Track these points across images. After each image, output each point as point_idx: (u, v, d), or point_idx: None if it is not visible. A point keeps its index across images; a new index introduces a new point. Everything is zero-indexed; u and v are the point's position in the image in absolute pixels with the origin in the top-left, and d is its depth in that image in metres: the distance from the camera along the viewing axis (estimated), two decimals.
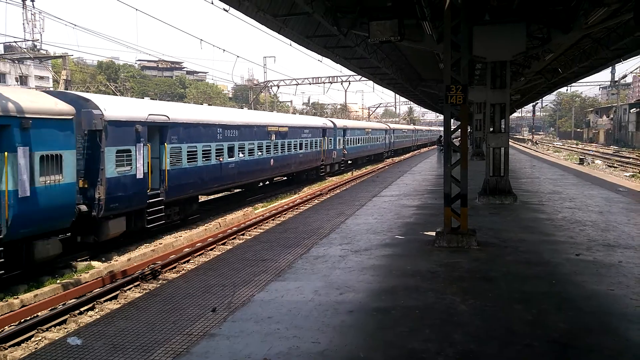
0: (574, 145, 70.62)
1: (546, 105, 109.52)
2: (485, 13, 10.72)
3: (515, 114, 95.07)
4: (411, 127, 72.00)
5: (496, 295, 5.90)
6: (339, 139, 33.49)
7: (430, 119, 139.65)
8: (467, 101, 8.14)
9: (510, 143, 14.40)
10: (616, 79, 55.53)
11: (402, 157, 52.76)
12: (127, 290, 10.64)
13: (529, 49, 11.99)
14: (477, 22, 10.69)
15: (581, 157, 43.24)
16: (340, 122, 35.14)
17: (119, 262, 12.55)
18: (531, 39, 12.14)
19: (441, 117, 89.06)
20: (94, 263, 12.48)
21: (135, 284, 10.99)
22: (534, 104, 64.14)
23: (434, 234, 8.58)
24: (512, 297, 5.83)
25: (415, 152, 61.95)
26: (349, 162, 37.16)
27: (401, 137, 58.07)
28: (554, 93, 79.97)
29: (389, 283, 6.48)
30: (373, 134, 43.62)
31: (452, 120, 8.71)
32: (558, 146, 69.47)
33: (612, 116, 79.32)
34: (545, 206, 12.33)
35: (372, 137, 43.10)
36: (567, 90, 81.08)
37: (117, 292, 10.41)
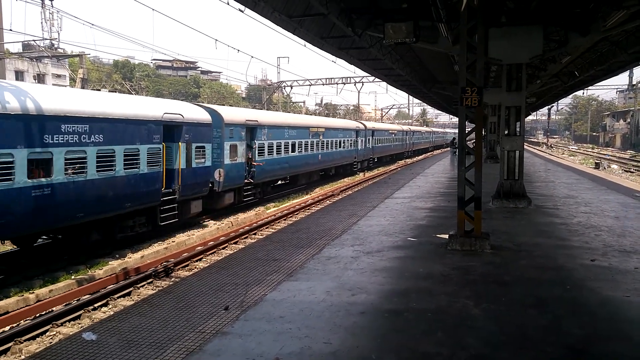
0: (590, 149, 69.76)
1: (562, 108, 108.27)
2: (501, 15, 10.64)
3: (530, 117, 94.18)
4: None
5: (510, 300, 5.85)
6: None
7: (444, 121, 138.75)
8: (482, 103, 8.09)
9: (525, 146, 14.27)
10: (634, 82, 54.82)
11: (415, 159, 52.85)
12: (140, 287, 10.75)
13: (545, 51, 11.86)
14: (494, 24, 10.60)
15: (597, 161, 42.69)
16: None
17: (133, 259, 12.68)
18: (548, 42, 12.00)
19: (455, 119, 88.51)
20: (108, 260, 12.63)
21: (149, 281, 11.09)
22: (549, 106, 63.52)
23: (447, 236, 8.54)
24: (526, 302, 5.78)
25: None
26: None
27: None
28: (570, 96, 78.97)
29: (401, 285, 6.46)
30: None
31: (466, 122, 8.66)
32: (573, 150, 68.66)
33: (629, 120, 78.20)
34: (560, 210, 12.21)
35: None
36: (583, 93, 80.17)
37: (131, 289, 10.52)
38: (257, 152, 20.42)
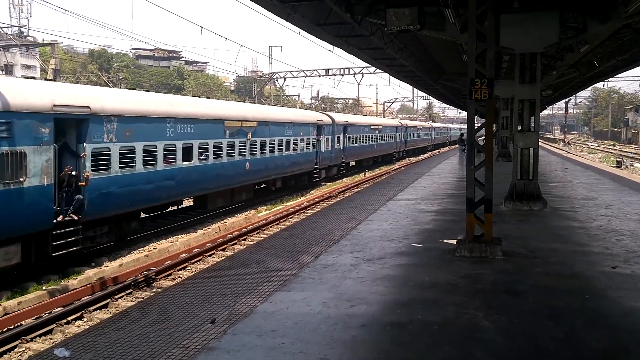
0: (611, 146, 70.07)
1: (580, 102, 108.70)
2: (514, 0, 10.68)
3: (545, 111, 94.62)
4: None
5: (523, 311, 5.87)
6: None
7: (452, 116, 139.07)
8: (493, 97, 8.12)
9: (540, 143, 14.31)
10: None
11: (420, 157, 52.67)
12: (118, 298, 10.72)
13: (562, 39, 11.93)
14: (505, 10, 10.65)
15: (619, 159, 42.89)
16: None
17: (110, 267, 12.66)
18: (564, 29, 12.07)
19: (464, 113, 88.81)
20: (83, 269, 12.60)
21: (128, 291, 11.07)
22: (566, 100, 63.75)
23: (454, 242, 8.56)
24: (541, 313, 5.81)
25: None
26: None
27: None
28: (589, 88, 79.28)
29: (405, 295, 6.48)
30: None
31: (476, 117, 8.69)
32: (593, 147, 68.99)
33: None
34: (578, 213, 12.25)
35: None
36: (603, 85, 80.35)
37: (108, 301, 10.49)
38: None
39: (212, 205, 19.21)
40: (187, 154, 16.42)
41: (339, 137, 31.83)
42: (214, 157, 17.98)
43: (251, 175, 20.97)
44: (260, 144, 21.52)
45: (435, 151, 63.16)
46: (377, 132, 40.81)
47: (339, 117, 33.42)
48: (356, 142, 35.60)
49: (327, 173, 30.62)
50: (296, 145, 25.29)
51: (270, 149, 22.44)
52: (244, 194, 21.44)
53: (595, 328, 5.38)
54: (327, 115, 31.46)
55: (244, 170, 20.23)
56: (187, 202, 20.23)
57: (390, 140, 45.80)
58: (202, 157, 17.31)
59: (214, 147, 18.02)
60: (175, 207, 18.15)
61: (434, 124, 77.20)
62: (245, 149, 20.19)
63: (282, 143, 23.71)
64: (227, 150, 18.87)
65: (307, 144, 26.67)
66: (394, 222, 11.42)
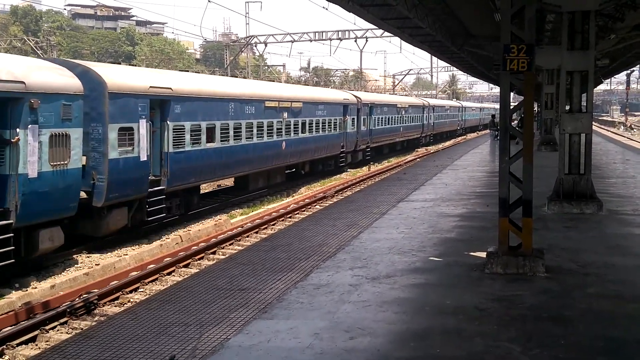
0: None
1: None
2: None
3: (601, 87, 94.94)
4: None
5: (572, 343, 5.90)
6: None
7: (481, 92, 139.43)
8: (533, 68, 8.12)
9: (594, 127, 14.38)
10: None
11: (440, 145, 52.95)
12: (50, 329, 10.67)
13: None
14: None
15: None
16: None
17: (39, 289, 12.60)
18: None
19: (496, 90, 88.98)
20: (4, 291, 12.52)
21: (62, 320, 11.01)
22: (628, 72, 64.04)
23: (484, 255, 8.58)
24: (595, 346, 5.83)
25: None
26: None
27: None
28: None
29: (420, 324, 6.49)
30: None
31: (511, 94, 8.70)
32: None
33: None
34: None
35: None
36: None
37: (36, 333, 10.44)
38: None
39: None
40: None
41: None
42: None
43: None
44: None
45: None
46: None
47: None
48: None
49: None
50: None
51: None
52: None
53: None
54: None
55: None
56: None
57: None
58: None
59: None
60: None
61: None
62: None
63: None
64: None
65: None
66: (406, 230, 11.44)
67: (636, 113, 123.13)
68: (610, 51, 25.16)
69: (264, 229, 18.45)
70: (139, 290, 12.95)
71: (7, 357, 9.72)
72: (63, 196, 13.78)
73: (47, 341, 10.28)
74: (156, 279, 13.59)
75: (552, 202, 12.94)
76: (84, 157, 14.74)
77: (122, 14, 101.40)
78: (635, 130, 72.09)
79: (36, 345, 10.19)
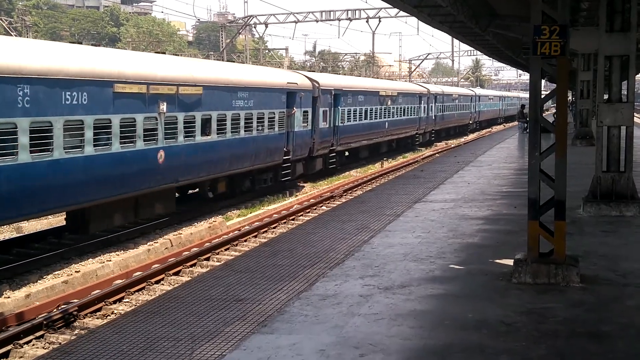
0: None
1: None
2: None
3: None
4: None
5: None
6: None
7: (509, 79, 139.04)
8: (567, 51, 8.13)
9: (636, 119, 14.33)
10: None
11: (462, 139, 53.19)
12: (24, 344, 10.73)
13: None
14: None
15: None
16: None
17: (13, 299, 12.66)
18: None
19: (525, 77, 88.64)
20: None
21: (38, 334, 11.06)
22: None
23: (511, 262, 8.58)
24: None
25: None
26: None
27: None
28: None
29: (439, 339, 6.51)
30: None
31: (543, 82, 8.70)
32: None
33: None
34: None
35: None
36: None
37: (9, 348, 10.50)
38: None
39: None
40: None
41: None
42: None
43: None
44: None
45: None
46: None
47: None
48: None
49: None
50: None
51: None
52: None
53: None
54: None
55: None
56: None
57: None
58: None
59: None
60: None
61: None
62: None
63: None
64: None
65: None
66: (423, 234, 11.45)
67: None
68: None
69: (263, 232, 18.49)
70: (124, 300, 12.99)
71: None
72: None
73: (21, 357, 10.35)
74: (143, 287, 13.63)
75: (588, 203, 12.91)
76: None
77: None
78: None
79: None
